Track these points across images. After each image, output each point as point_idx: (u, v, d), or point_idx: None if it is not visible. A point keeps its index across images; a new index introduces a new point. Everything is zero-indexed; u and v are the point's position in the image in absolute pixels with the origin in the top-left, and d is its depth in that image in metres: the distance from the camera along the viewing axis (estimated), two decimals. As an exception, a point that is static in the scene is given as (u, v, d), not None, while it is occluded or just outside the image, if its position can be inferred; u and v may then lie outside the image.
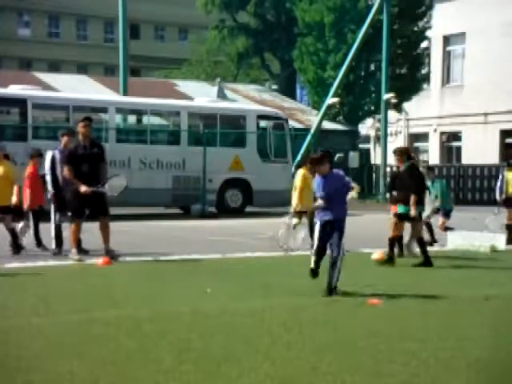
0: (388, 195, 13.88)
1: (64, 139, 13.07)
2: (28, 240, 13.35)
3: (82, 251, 12.53)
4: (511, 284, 10.50)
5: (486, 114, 38.16)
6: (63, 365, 5.62)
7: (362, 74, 36.84)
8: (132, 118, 25.92)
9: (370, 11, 32.48)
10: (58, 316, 7.50)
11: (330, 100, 32.18)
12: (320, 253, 9.11)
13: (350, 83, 34.93)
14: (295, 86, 49.31)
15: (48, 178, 13.02)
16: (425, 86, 38.38)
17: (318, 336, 6.69)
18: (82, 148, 12.14)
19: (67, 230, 12.72)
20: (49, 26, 64.38)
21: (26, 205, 13.29)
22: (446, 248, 14.78)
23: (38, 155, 13.64)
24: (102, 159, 12.24)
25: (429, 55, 39.31)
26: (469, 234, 14.97)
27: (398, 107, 36.44)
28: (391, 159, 36.89)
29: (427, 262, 12.05)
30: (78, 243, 12.41)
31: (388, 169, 34.69)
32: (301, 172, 14.16)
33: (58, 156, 12.94)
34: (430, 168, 16.62)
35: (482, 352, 6.19)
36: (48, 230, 13.28)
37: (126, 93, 28.87)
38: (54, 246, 12.99)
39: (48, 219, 13.30)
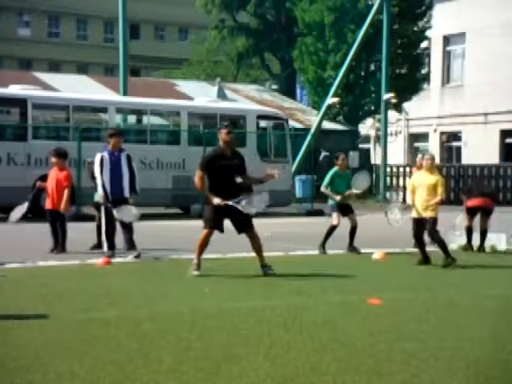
0: None
1: (112, 140, 12.63)
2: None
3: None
4: (511, 284, 10.50)
5: (486, 114, 38.15)
6: (63, 365, 5.62)
7: (362, 73, 36.83)
8: (132, 118, 25.91)
9: (370, 11, 32.46)
10: (57, 316, 7.50)
11: (330, 100, 32.16)
12: None
13: (350, 83, 34.92)
14: (295, 86, 49.29)
15: (98, 180, 12.47)
16: (425, 85, 38.36)
17: (318, 336, 6.68)
18: (222, 157, 10.87)
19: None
20: (49, 26, 64.37)
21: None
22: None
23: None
24: (243, 171, 10.87)
25: (429, 55, 39.30)
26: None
27: (397, 107, 36.44)
28: (391, 159, 37.06)
29: None
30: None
31: (388, 169, 34.70)
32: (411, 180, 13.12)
33: (107, 157, 12.50)
34: None
35: (481, 352, 6.18)
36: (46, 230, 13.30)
37: (125, 93, 28.87)
38: (105, 248, 12.52)
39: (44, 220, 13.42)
